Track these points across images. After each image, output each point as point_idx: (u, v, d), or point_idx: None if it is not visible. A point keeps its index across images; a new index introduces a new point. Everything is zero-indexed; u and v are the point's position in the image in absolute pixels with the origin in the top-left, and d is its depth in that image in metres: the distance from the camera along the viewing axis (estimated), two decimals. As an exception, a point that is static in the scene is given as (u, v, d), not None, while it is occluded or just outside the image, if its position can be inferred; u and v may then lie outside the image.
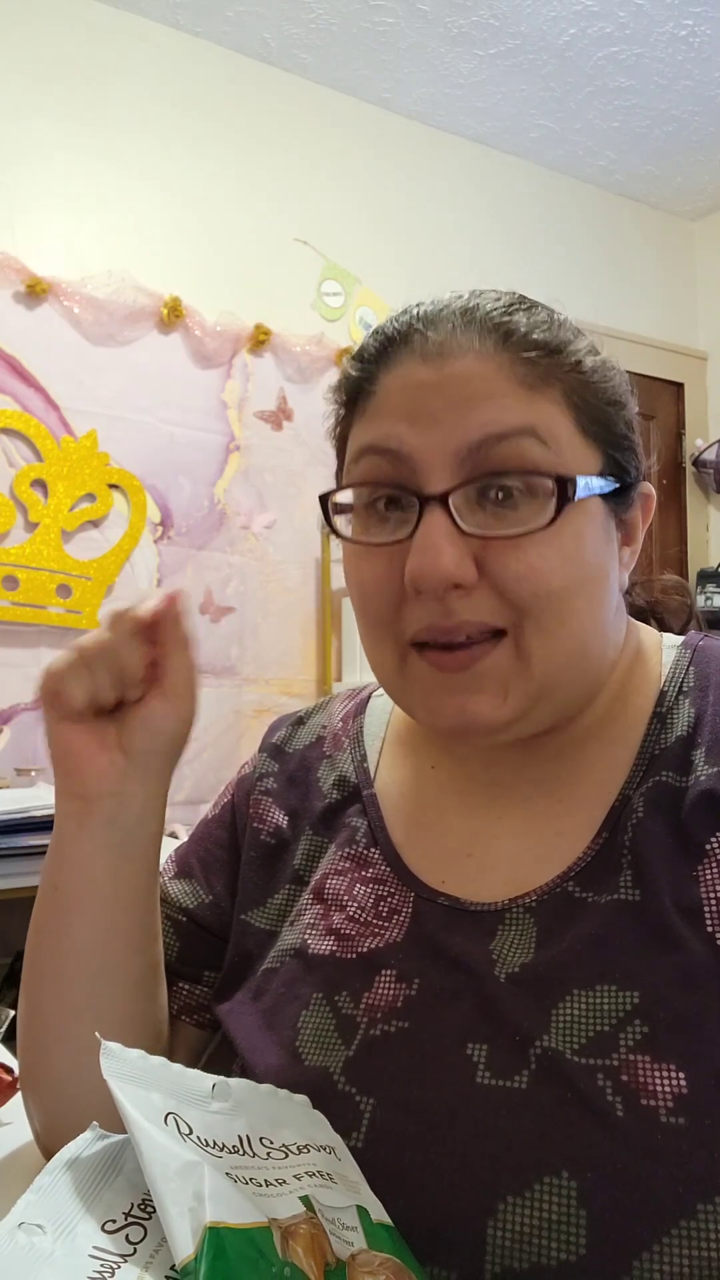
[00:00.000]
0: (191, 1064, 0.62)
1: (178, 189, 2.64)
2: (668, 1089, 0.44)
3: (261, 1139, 0.47)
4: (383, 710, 0.69)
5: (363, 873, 0.60)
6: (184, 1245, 0.39)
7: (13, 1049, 0.83)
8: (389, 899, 0.58)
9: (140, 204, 2.58)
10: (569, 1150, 0.44)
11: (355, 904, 0.58)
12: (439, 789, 0.62)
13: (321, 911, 0.59)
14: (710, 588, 3.33)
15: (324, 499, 0.57)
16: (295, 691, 2.71)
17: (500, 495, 0.51)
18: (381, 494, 0.54)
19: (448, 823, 0.60)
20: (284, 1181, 0.44)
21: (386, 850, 0.60)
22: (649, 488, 0.59)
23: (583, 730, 0.58)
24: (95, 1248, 0.40)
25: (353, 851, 0.61)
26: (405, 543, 0.52)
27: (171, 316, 2.56)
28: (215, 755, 2.56)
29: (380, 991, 0.54)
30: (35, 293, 2.39)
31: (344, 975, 0.56)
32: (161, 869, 0.70)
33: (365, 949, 0.56)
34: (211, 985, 0.65)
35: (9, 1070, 0.67)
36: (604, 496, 0.54)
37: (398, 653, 0.55)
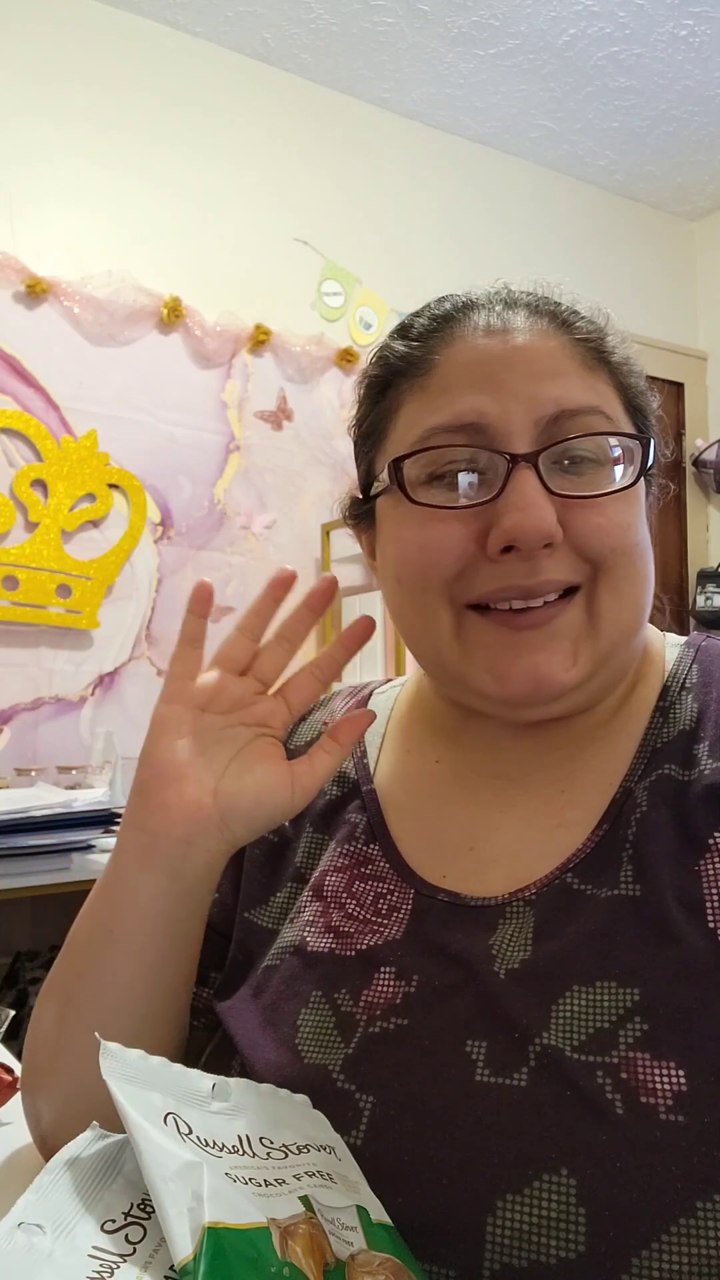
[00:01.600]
0: (192, 1064, 0.62)
1: (178, 189, 2.64)
2: (667, 1086, 0.44)
3: (261, 1139, 0.47)
4: (385, 706, 0.70)
5: (362, 869, 0.60)
6: (182, 1246, 0.39)
7: (12, 1049, 0.83)
8: (388, 896, 0.58)
9: (140, 204, 2.58)
10: (568, 1147, 0.44)
11: (354, 901, 0.58)
12: (441, 783, 0.62)
13: (320, 909, 0.59)
14: (710, 588, 3.33)
15: (396, 464, 0.55)
16: (295, 691, 2.71)
17: (569, 463, 0.53)
18: (459, 461, 0.54)
19: (449, 815, 0.60)
20: (283, 1181, 0.44)
21: (386, 846, 0.60)
22: (661, 482, 0.62)
23: (591, 723, 0.58)
24: (95, 1247, 0.40)
25: (352, 848, 0.61)
26: (485, 505, 0.53)
27: (171, 316, 2.56)
28: (215, 755, 2.56)
29: (379, 989, 0.54)
30: (35, 293, 2.39)
31: (343, 973, 0.56)
32: None
33: (364, 946, 0.56)
34: (215, 986, 0.65)
35: (9, 1070, 0.67)
36: (647, 478, 0.57)
37: (455, 618, 0.54)
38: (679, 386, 3.57)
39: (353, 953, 0.56)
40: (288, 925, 0.61)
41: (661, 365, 3.51)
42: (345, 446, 2.93)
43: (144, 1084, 0.46)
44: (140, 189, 2.59)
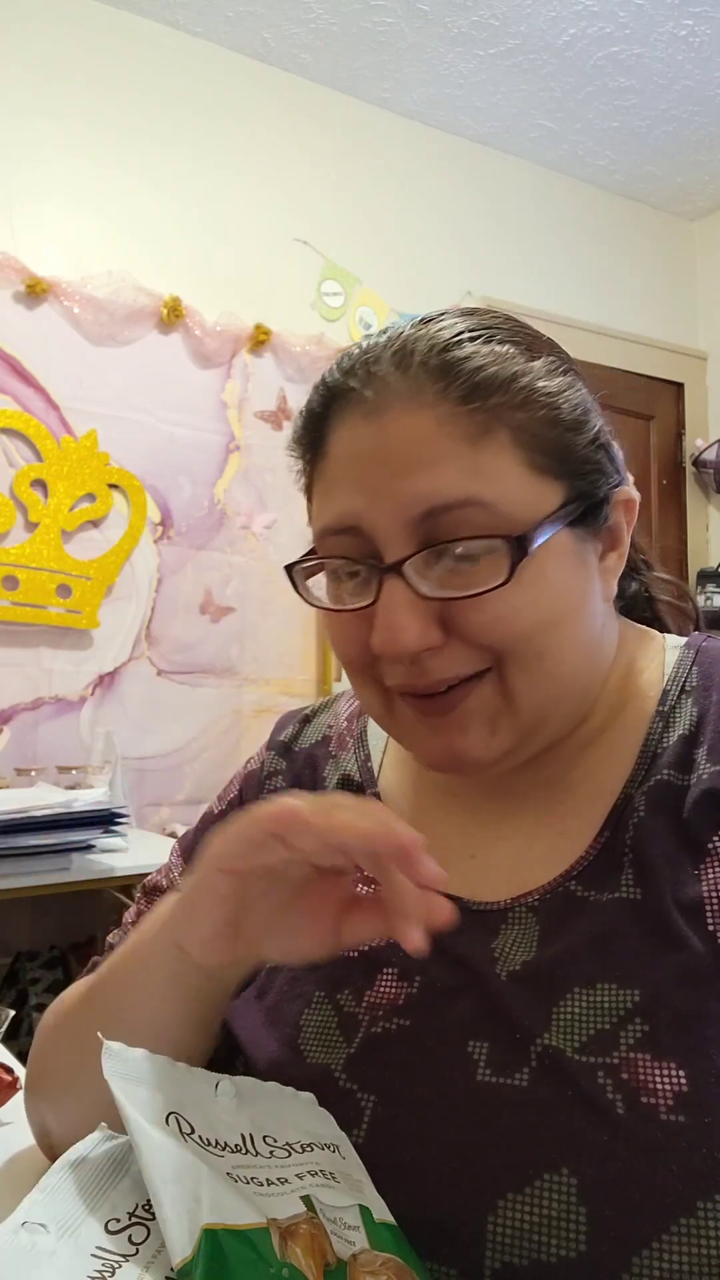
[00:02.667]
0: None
1: (178, 189, 2.64)
2: (668, 1087, 0.44)
3: (265, 1137, 0.47)
4: None
5: (365, 871, 0.60)
6: (181, 1247, 0.39)
7: (12, 1049, 0.83)
8: None
9: (140, 204, 2.58)
10: (569, 1147, 0.44)
11: None
12: (441, 791, 0.62)
13: None
14: (710, 588, 3.32)
15: (289, 569, 0.57)
16: (295, 691, 2.71)
17: (458, 551, 0.50)
18: (342, 568, 0.55)
19: (450, 824, 0.60)
20: (285, 1181, 0.44)
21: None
22: (627, 492, 0.57)
23: (582, 738, 0.58)
24: (98, 1247, 0.41)
25: None
26: (369, 608, 0.52)
27: (171, 316, 2.56)
28: (215, 755, 2.56)
29: (382, 989, 0.54)
30: (35, 293, 2.39)
31: (346, 973, 0.56)
32: (169, 863, 0.71)
33: (367, 947, 0.56)
34: None
35: (9, 1070, 0.67)
36: (571, 524, 0.53)
37: (382, 696, 0.55)
38: (679, 386, 3.57)
39: (355, 953, 0.56)
40: None
41: (661, 365, 3.51)
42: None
43: (146, 1084, 0.46)
44: (140, 189, 2.59)
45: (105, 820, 1.76)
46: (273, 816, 0.44)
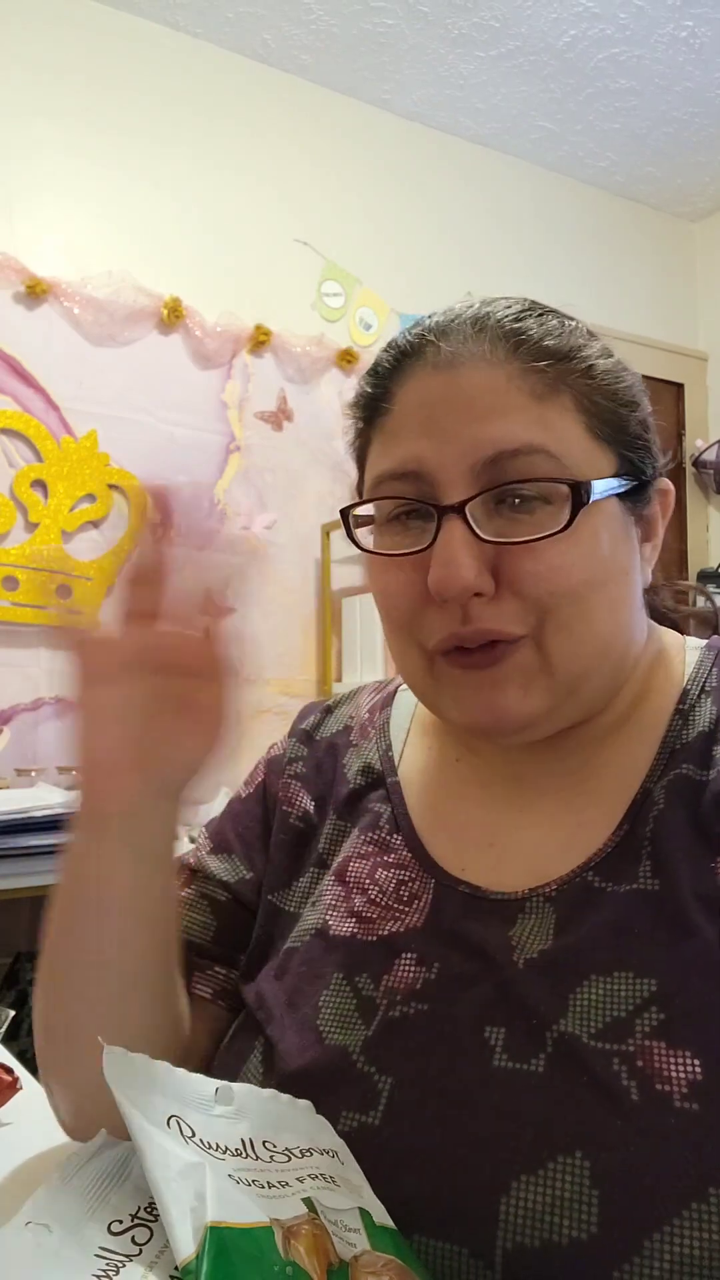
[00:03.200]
0: (214, 1046, 0.64)
1: (178, 189, 2.65)
2: (682, 1075, 0.45)
3: (265, 1142, 0.47)
4: (408, 703, 0.71)
5: (384, 857, 0.61)
6: (185, 1245, 0.39)
7: (12, 1049, 0.83)
8: (410, 884, 0.59)
9: (140, 204, 2.58)
10: (583, 1131, 0.45)
11: (376, 887, 0.60)
12: (461, 781, 0.63)
13: (343, 893, 0.61)
14: (710, 588, 3.33)
15: (344, 513, 0.58)
16: (295, 691, 2.71)
17: (517, 501, 0.52)
18: (402, 508, 0.55)
19: (469, 813, 0.61)
20: (286, 1184, 0.44)
21: (408, 836, 0.62)
22: (667, 484, 0.60)
23: (604, 726, 0.59)
24: (101, 1248, 0.41)
25: (375, 836, 0.63)
26: (426, 552, 0.53)
27: (171, 317, 2.56)
28: (215, 756, 2.56)
29: (400, 974, 0.55)
30: (35, 293, 2.39)
31: (364, 957, 0.57)
32: (196, 844, 0.72)
33: (386, 932, 0.57)
34: (241, 969, 0.66)
35: (9, 1070, 0.68)
36: (620, 496, 0.55)
37: (424, 657, 0.56)
38: (679, 387, 3.57)
39: (374, 938, 0.57)
40: (310, 909, 0.62)
41: (661, 366, 3.51)
42: (345, 447, 2.93)
43: (146, 1088, 0.46)
44: (140, 189, 2.59)
45: (105, 820, 1.76)
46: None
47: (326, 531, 2.74)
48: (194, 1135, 0.45)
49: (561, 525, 0.51)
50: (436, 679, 0.56)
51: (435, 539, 0.52)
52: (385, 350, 0.59)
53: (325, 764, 0.70)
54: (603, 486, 0.53)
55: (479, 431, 0.52)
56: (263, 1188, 0.44)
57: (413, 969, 0.55)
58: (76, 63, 2.52)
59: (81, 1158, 0.45)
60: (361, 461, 0.61)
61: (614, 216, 3.48)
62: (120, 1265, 0.40)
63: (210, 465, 2.64)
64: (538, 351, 0.54)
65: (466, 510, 0.52)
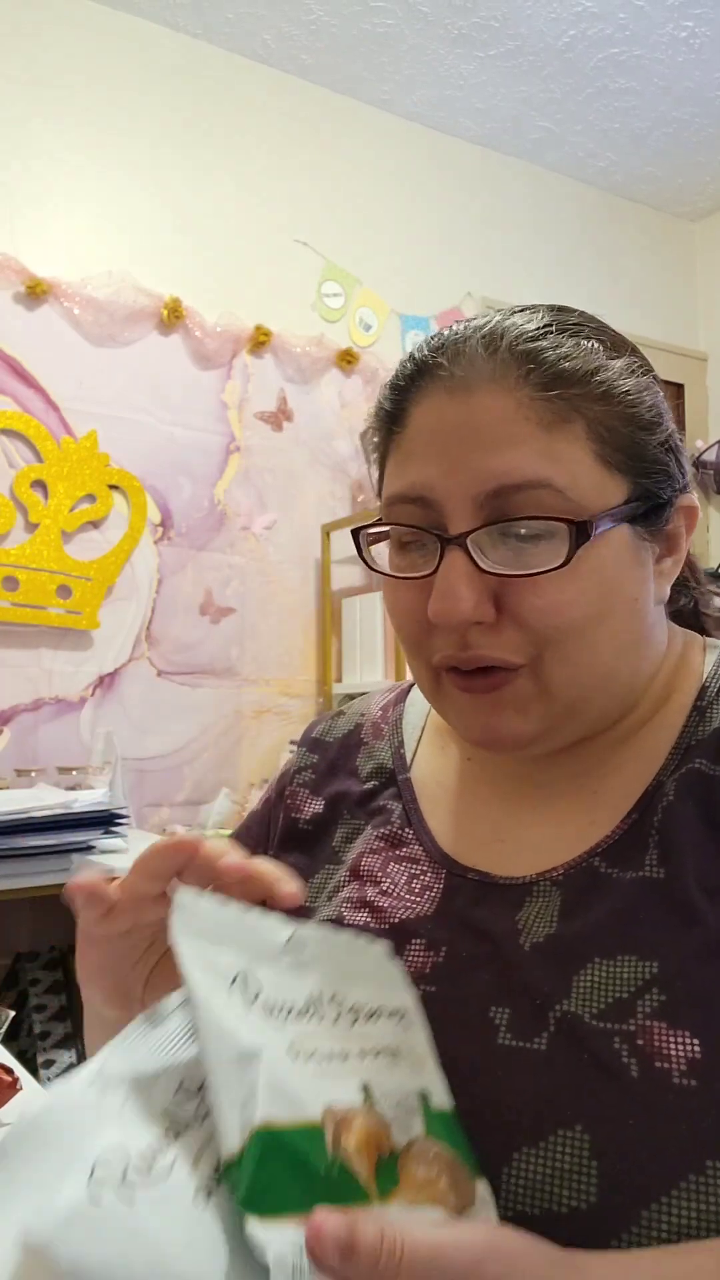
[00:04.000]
0: None
1: (178, 190, 2.65)
2: (681, 1053, 0.46)
3: (333, 996, 0.47)
4: (422, 702, 0.72)
5: (397, 852, 0.63)
6: (230, 1141, 0.39)
7: (12, 1049, 0.83)
8: (421, 876, 0.60)
9: (140, 204, 2.58)
10: (583, 1105, 0.46)
11: (389, 880, 0.61)
12: (473, 780, 0.64)
13: (357, 887, 0.62)
14: (711, 588, 3.33)
15: (356, 533, 0.60)
16: (295, 692, 2.71)
17: (522, 532, 0.52)
18: (408, 535, 0.57)
19: (480, 811, 0.62)
20: (347, 1056, 0.44)
21: (420, 832, 0.63)
22: (690, 499, 0.59)
23: (619, 734, 0.59)
24: (164, 1110, 0.41)
25: (388, 832, 0.64)
26: (429, 577, 0.54)
27: (172, 317, 2.56)
28: (215, 755, 2.56)
29: (410, 959, 0.56)
30: (35, 293, 2.39)
31: None
32: None
33: (397, 920, 0.59)
34: None
35: (9, 1070, 0.68)
36: (633, 520, 0.55)
37: (431, 672, 0.58)
38: (679, 387, 3.57)
39: (386, 926, 0.59)
40: (324, 902, 0.63)
41: (661, 366, 3.49)
42: (345, 447, 2.94)
43: (215, 938, 0.45)
44: (140, 189, 2.59)
45: (105, 821, 1.76)
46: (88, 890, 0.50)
47: (326, 532, 2.74)
48: (259, 996, 0.44)
49: (560, 561, 0.51)
50: (442, 693, 0.58)
51: (438, 567, 0.53)
52: (402, 364, 0.59)
53: (338, 764, 0.71)
54: (609, 518, 0.53)
55: (485, 462, 0.52)
56: (322, 1061, 0.43)
57: (421, 953, 0.56)
58: (77, 63, 2.52)
59: (162, 1011, 0.44)
60: (380, 471, 0.62)
61: (614, 216, 3.48)
62: (178, 1133, 0.40)
63: (210, 465, 2.64)
64: (550, 378, 0.53)
65: (469, 541, 0.52)
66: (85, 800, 1.78)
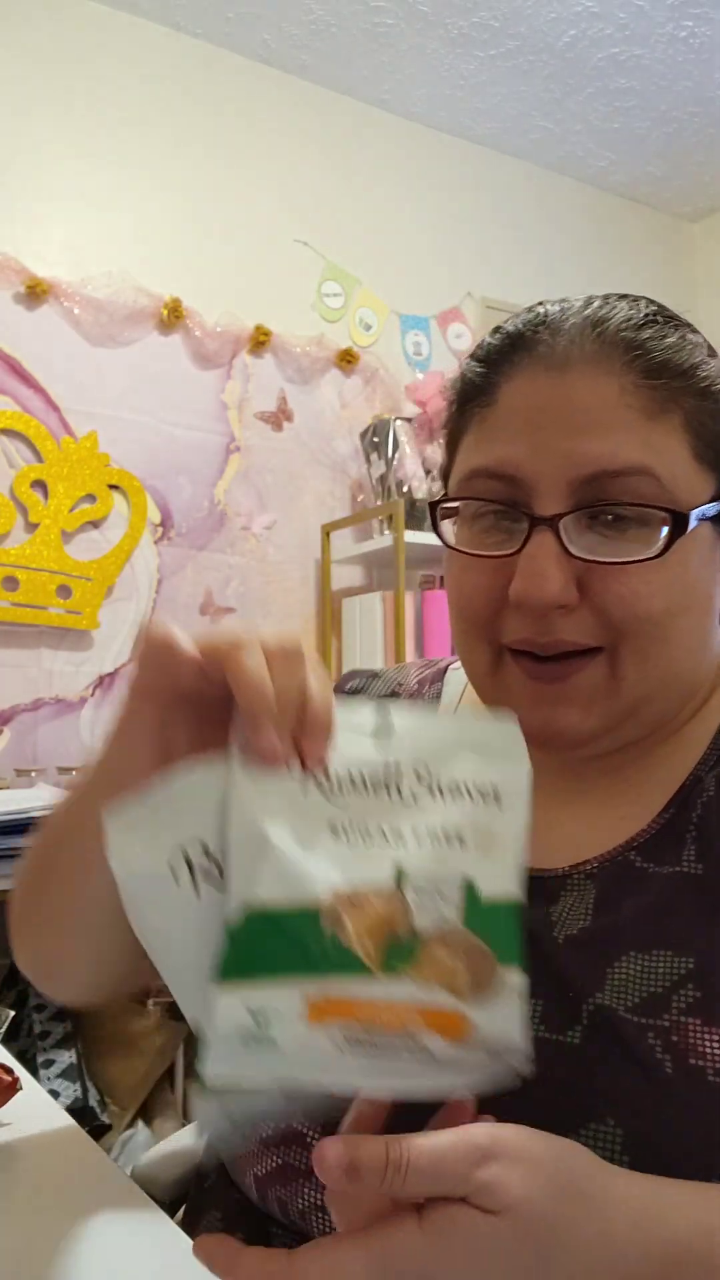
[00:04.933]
0: None
1: (178, 190, 2.65)
2: (716, 1051, 0.45)
3: (419, 770, 0.45)
4: (459, 682, 0.70)
5: None
6: (234, 911, 0.40)
7: (12, 1049, 0.83)
8: None
9: (140, 204, 2.58)
10: (616, 1100, 0.46)
11: None
12: None
13: None
14: None
15: (434, 505, 0.57)
16: (295, 692, 2.71)
17: (610, 518, 0.51)
18: (491, 507, 0.54)
19: None
20: (400, 836, 0.43)
21: None
22: None
23: (656, 738, 0.59)
24: (186, 855, 0.41)
25: None
26: (511, 557, 0.52)
27: (172, 317, 2.56)
28: (215, 756, 2.56)
29: None
30: (35, 293, 2.39)
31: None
32: None
33: None
34: None
35: (9, 1070, 0.67)
36: (713, 519, 0.54)
37: (492, 655, 0.56)
38: (679, 387, 3.57)
39: None
40: None
41: (661, 366, 3.51)
42: (345, 447, 2.94)
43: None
44: (140, 190, 2.59)
45: (105, 821, 1.76)
46: (177, 643, 0.44)
47: (326, 532, 2.74)
48: (327, 769, 0.43)
49: (656, 552, 0.50)
50: (500, 680, 0.56)
51: (523, 547, 0.52)
52: (493, 335, 0.57)
53: None
54: (699, 512, 0.52)
55: (583, 446, 0.51)
56: (361, 839, 0.42)
57: None
58: (77, 63, 2.52)
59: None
60: (453, 445, 0.60)
61: (614, 216, 3.48)
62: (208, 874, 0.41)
63: (210, 465, 2.64)
64: (655, 366, 0.52)
65: (561, 524, 0.51)
66: (85, 800, 1.77)
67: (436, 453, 2.60)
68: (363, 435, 2.74)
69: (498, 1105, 0.47)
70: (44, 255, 2.43)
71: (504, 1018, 0.40)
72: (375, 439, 2.65)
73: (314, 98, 2.89)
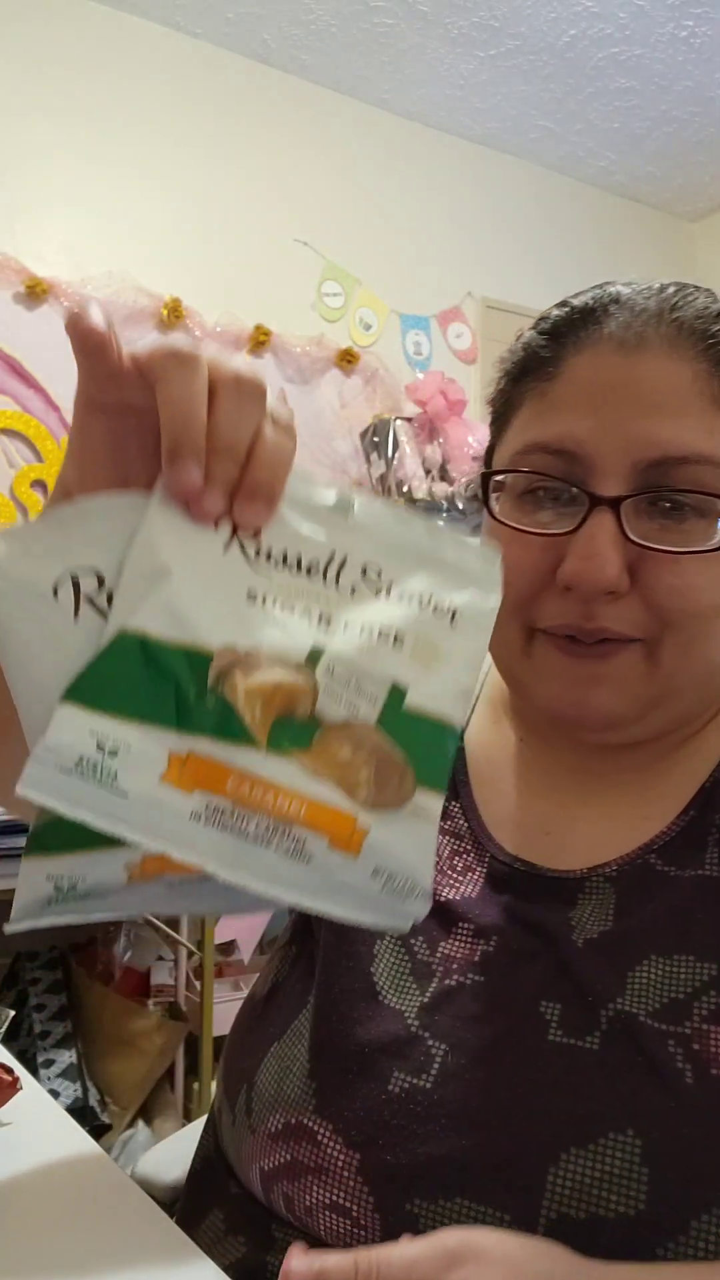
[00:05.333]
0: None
1: (178, 190, 2.65)
2: None
3: (366, 568, 0.40)
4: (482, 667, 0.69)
5: (442, 823, 0.59)
6: (107, 635, 0.36)
7: (12, 1049, 0.83)
8: (464, 854, 0.58)
9: (140, 204, 2.58)
10: (635, 1109, 0.45)
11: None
12: (523, 763, 0.61)
13: None
14: None
15: (485, 478, 0.55)
16: (295, 692, 2.71)
17: (668, 506, 0.50)
18: (547, 488, 0.52)
19: (528, 799, 0.60)
20: (328, 623, 0.38)
21: (466, 805, 0.60)
22: None
23: (680, 736, 0.58)
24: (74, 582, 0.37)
25: None
26: (563, 536, 0.50)
27: (172, 318, 2.56)
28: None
29: (457, 943, 0.54)
30: (35, 293, 2.39)
31: (421, 921, 0.56)
32: None
33: (443, 898, 0.56)
34: None
35: (9, 1070, 0.67)
36: None
37: (526, 635, 0.54)
38: (679, 387, 3.57)
39: (433, 903, 0.56)
40: None
41: (661, 366, 3.51)
42: (345, 447, 2.94)
43: None
44: (140, 189, 2.59)
45: (105, 821, 1.75)
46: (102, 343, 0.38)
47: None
48: (257, 539, 0.38)
49: (715, 544, 0.49)
50: (531, 659, 0.54)
51: (579, 527, 0.50)
52: (560, 308, 0.55)
53: None
54: None
55: (650, 429, 0.49)
56: (286, 612, 0.37)
57: (470, 940, 0.54)
58: (77, 63, 2.52)
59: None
60: (502, 420, 0.58)
61: (614, 216, 3.48)
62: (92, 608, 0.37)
63: (210, 465, 2.63)
64: None
65: (622, 506, 0.49)
66: (85, 800, 1.77)
67: (436, 453, 2.60)
68: (363, 435, 2.74)
69: (515, 1111, 0.46)
70: (44, 255, 2.43)
71: (409, 842, 0.36)
72: (375, 439, 2.65)
73: (314, 98, 2.89)
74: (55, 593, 0.36)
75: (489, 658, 0.67)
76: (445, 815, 0.60)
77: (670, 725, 0.55)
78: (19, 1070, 0.70)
